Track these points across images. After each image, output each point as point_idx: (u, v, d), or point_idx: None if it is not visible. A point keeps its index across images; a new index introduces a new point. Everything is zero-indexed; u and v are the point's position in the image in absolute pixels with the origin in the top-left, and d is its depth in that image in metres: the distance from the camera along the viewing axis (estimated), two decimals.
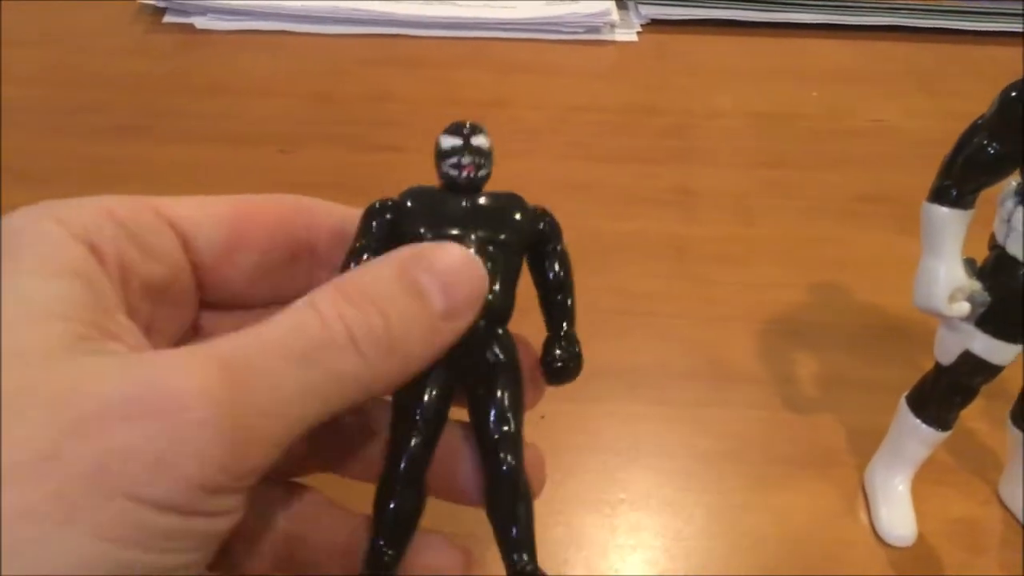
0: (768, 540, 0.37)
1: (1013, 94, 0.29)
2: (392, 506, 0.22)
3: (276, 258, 0.24)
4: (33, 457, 0.16)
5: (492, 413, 0.23)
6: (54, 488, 0.16)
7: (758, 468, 0.40)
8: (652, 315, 0.47)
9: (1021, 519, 0.38)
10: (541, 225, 0.24)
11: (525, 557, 0.22)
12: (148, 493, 0.16)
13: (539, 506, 0.37)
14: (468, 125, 0.23)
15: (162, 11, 0.70)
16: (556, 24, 0.70)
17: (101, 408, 0.16)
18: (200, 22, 0.69)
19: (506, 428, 0.22)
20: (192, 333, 0.24)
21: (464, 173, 0.23)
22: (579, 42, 0.71)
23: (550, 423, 0.41)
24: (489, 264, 0.22)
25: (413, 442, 0.22)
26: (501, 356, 0.23)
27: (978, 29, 0.72)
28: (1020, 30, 0.72)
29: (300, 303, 0.20)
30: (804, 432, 0.42)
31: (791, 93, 0.66)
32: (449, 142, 0.23)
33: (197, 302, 0.24)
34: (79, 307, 0.18)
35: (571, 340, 0.24)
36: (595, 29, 0.71)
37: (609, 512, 0.38)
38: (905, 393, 0.37)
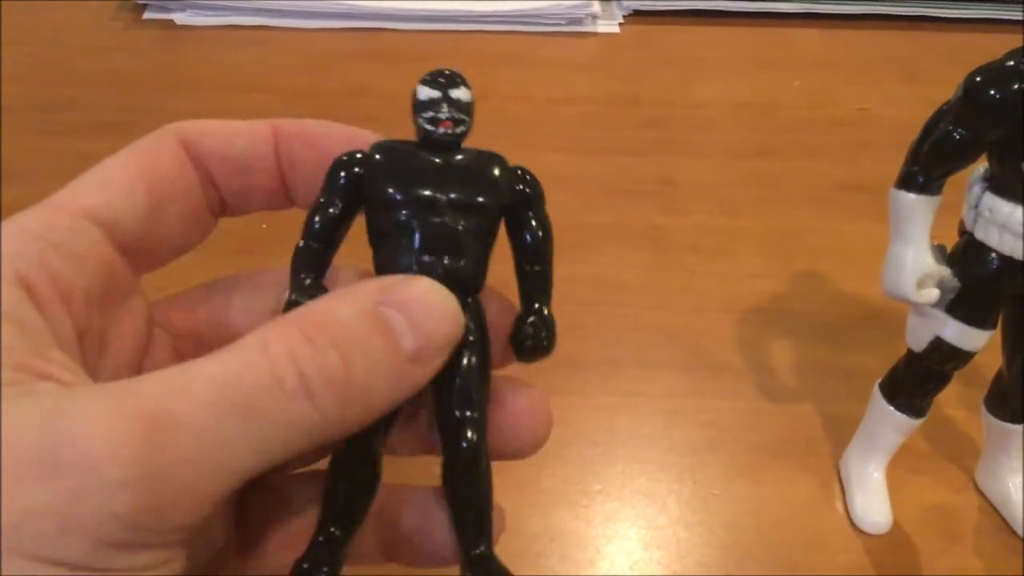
0: (744, 529, 0.37)
1: (977, 79, 0.28)
2: (342, 484, 0.21)
3: (195, 201, 0.23)
4: None
5: (454, 390, 0.21)
6: None
7: (735, 457, 0.40)
8: (631, 306, 0.47)
9: (998, 507, 0.38)
10: (520, 187, 0.22)
11: (482, 547, 0.21)
12: (56, 553, 0.15)
13: (515, 498, 0.38)
14: (448, 75, 0.22)
15: (142, 7, 0.70)
16: (538, 16, 0.70)
17: (17, 464, 0.15)
18: (180, 18, 0.68)
19: (468, 408, 0.21)
20: (146, 325, 0.23)
21: (441, 128, 0.21)
22: (561, 34, 0.70)
23: None
24: (461, 226, 0.21)
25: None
26: (469, 329, 0.21)
27: (960, 16, 0.72)
28: (1001, 16, 0.71)
29: (252, 339, 0.18)
30: (781, 421, 0.42)
31: (773, 83, 0.66)
32: (426, 93, 0.21)
33: (141, 291, 0.23)
34: (6, 350, 0.17)
35: (543, 318, 0.22)
36: (577, 21, 0.70)
37: (586, 503, 0.38)
38: (879, 380, 0.37)
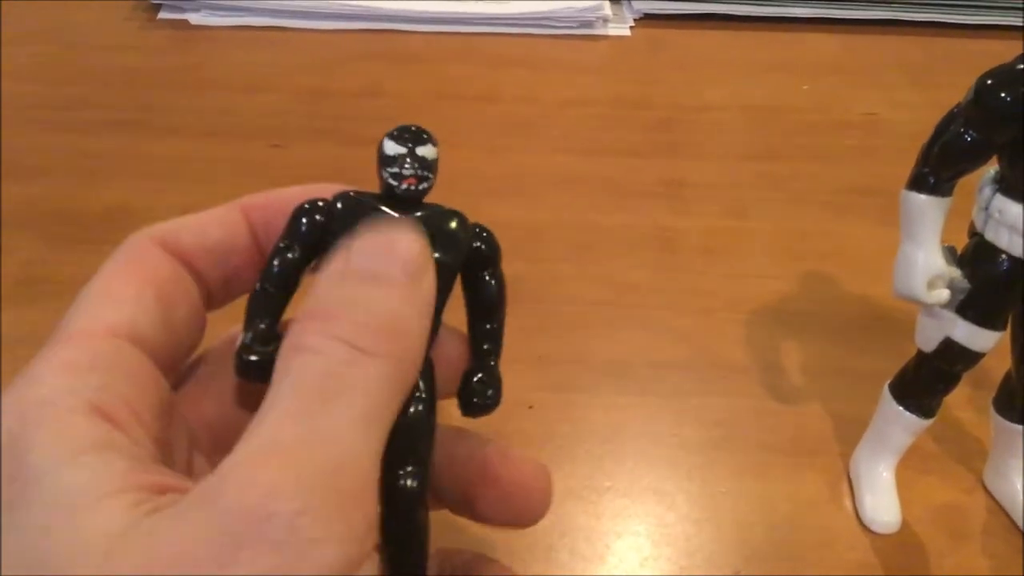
0: (753, 527, 0.38)
1: (989, 81, 0.29)
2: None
3: (195, 300, 0.23)
4: None
5: (397, 441, 0.21)
6: None
7: (744, 456, 0.40)
8: (639, 306, 0.48)
9: (1006, 507, 0.38)
10: (478, 244, 0.23)
11: None
12: None
13: None
14: (415, 132, 0.22)
15: (157, 7, 0.70)
16: (549, 19, 0.70)
17: (189, 566, 0.15)
18: (194, 18, 0.69)
19: (409, 458, 0.21)
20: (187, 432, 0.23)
21: (404, 184, 0.21)
22: (572, 37, 0.71)
23: (537, 413, 0.42)
24: None
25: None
26: (416, 384, 0.21)
27: (970, 23, 0.72)
28: (1011, 23, 0.72)
29: (284, 351, 0.18)
30: (790, 421, 0.42)
31: (782, 86, 0.66)
32: (393, 149, 0.21)
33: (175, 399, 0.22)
34: (119, 476, 0.17)
35: (491, 376, 0.23)
36: (588, 24, 0.71)
37: (595, 499, 0.38)
38: (888, 381, 0.37)
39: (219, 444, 0.22)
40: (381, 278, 0.19)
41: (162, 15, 0.70)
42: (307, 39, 0.69)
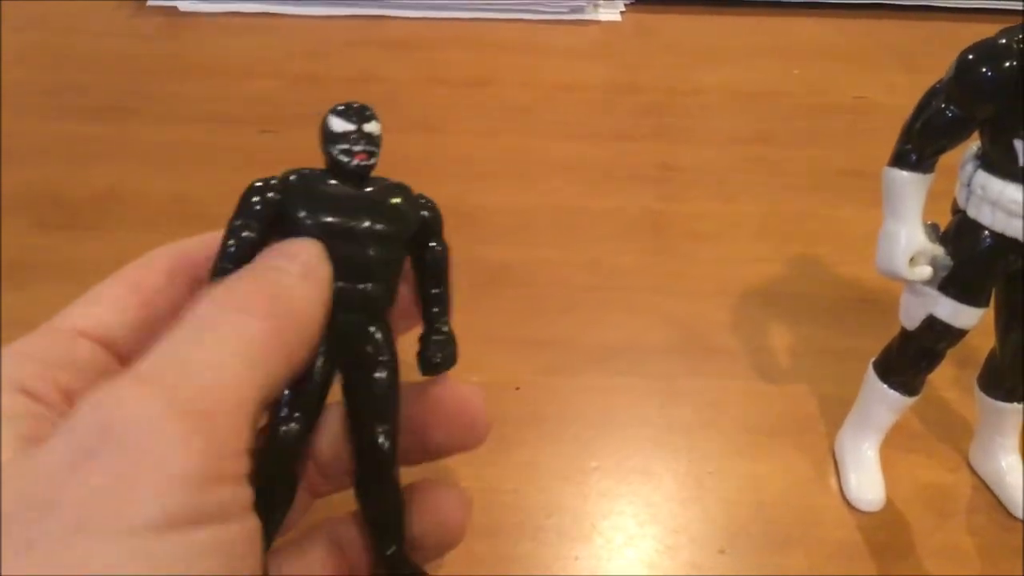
0: (739, 506, 0.38)
1: (970, 56, 0.29)
2: (261, 497, 0.22)
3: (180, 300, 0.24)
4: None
5: (366, 404, 0.23)
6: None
7: (730, 437, 0.40)
8: (629, 289, 0.48)
9: (991, 486, 0.38)
10: (425, 214, 0.24)
11: (394, 548, 0.23)
12: (141, 513, 0.16)
13: (514, 474, 0.38)
14: (359, 108, 0.23)
15: None
16: (539, 4, 0.70)
17: (49, 481, 0.17)
18: (184, 5, 0.69)
19: (380, 421, 0.22)
20: None
21: (355, 160, 0.22)
22: (563, 22, 0.71)
23: (524, 395, 0.42)
24: (371, 253, 0.22)
25: (285, 429, 0.22)
26: (378, 349, 0.23)
27: (959, 6, 0.72)
28: (1000, 6, 0.72)
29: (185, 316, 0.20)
30: (777, 401, 0.42)
31: (773, 71, 0.66)
32: (341, 126, 0.22)
33: None
34: (25, 426, 0.19)
35: (446, 336, 0.24)
36: (579, 9, 0.71)
37: (581, 480, 0.38)
38: (872, 359, 0.37)
39: None
40: (280, 270, 0.21)
41: (151, 2, 0.70)
42: (296, 25, 0.69)
